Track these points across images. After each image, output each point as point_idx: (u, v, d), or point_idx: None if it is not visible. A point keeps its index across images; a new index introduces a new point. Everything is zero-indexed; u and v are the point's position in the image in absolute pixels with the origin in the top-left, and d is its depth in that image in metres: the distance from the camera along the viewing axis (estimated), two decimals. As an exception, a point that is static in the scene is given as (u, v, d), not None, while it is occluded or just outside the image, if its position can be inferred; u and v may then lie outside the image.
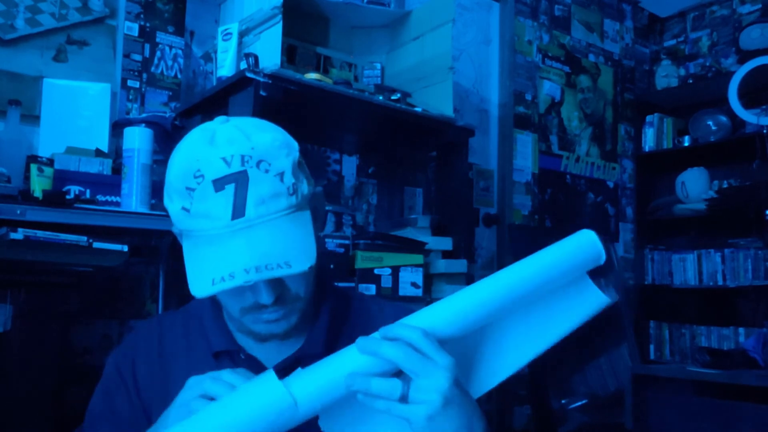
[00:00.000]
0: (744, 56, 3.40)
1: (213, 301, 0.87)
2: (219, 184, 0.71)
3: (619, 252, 3.63)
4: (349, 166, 2.58)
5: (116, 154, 1.81)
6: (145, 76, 2.11)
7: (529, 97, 3.24)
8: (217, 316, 0.87)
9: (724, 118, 3.52)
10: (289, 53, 2.13)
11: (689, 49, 3.89)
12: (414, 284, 1.99)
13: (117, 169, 1.65)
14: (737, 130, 3.48)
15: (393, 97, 2.06)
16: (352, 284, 1.89)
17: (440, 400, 0.66)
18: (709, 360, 2.89)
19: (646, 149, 3.76)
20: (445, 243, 2.14)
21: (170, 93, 2.15)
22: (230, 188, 0.71)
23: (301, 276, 0.76)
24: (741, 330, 3.35)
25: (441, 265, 2.09)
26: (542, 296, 0.77)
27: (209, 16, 2.26)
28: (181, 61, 2.18)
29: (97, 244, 1.41)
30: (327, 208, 2.15)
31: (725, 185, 3.46)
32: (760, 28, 3.36)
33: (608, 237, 3.59)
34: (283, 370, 0.82)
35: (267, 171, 0.72)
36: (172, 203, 0.75)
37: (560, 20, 3.45)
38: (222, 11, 2.24)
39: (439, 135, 2.20)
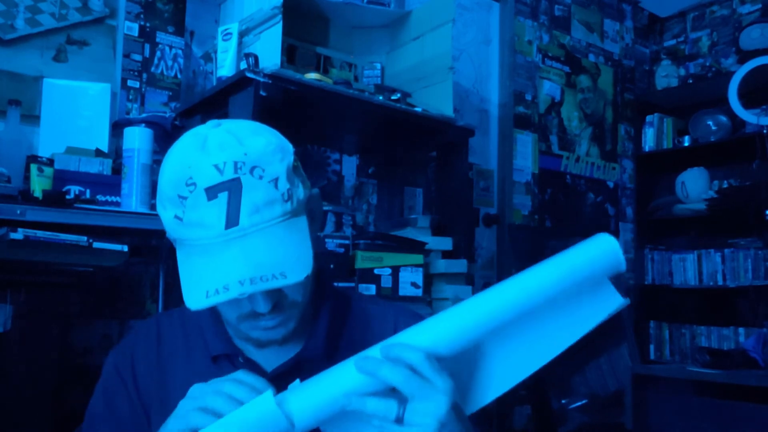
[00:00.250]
0: (744, 56, 3.40)
1: None
2: (212, 192, 0.69)
3: (619, 252, 3.62)
4: (349, 166, 2.58)
5: (116, 154, 1.81)
6: (145, 76, 2.11)
7: (529, 97, 3.24)
8: (216, 319, 0.86)
9: (724, 118, 3.52)
10: (289, 53, 2.13)
11: (689, 49, 3.89)
12: (414, 284, 1.99)
13: (117, 169, 1.65)
14: (737, 130, 3.48)
15: (393, 97, 2.06)
16: (352, 284, 1.89)
17: (435, 425, 0.65)
18: (709, 360, 2.89)
19: (646, 149, 3.76)
20: (445, 243, 2.14)
21: (170, 93, 2.15)
22: (223, 196, 0.69)
23: (298, 283, 0.75)
24: (741, 330, 3.35)
25: (441, 265, 2.09)
26: (555, 303, 0.74)
27: (209, 16, 2.26)
28: (181, 61, 2.18)
29: (97, 244, 1.41)
30: (327, 208, 2.15)
31: (725, 185, 3.46)
32: (760, 28, 3.36)
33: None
34: (283, 375, 0.82)
35: (261, 177, 0.70)
36: (165, 211, 0.73)
37: (560, 20, 3.45)
38: (222, 11, 2.24)
39: (439, 135, 2.20)
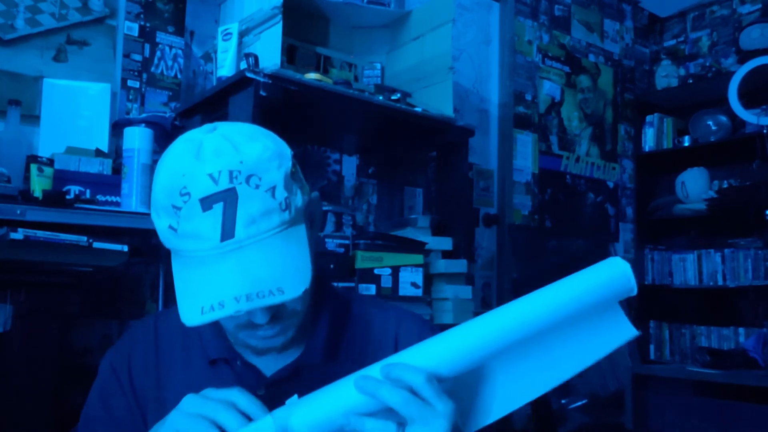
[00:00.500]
0: (744, 56, 3.40)
1: None
2: (206, 203, 0.67)
3: (619, 252, 3.63)
4: (349, 166, 2.58)
5: (116, 154, 1.81)
6: (145, 76, 2.11)
7: (529, 97, 3.24)
8: (214, 322, 0.86)
9: (724, 118, 3.52)
10: (289, 53, 2.13)
11: (689, 49, 3.89)
12: (414, 284, 1.99)
13: (117, 169, 1.65)
14: (737, 130, 3.48)
15: (393, 97, 2.06)
16: (352, 284, 1.89)
17: None
18: (709, 360, 2.90)
19: (646, 149, 3.76)
20: (445, 243, 2.14)
21: (170, 93, 2.15)
22: (218, 207, 0.67)
23: None
24: (741, 330, 3.35)
25: (441, 265, 2.09)
26: (564, 327, 0.72)
27: (209, 16, 2.26)
28: (181, 61, 2.18)
29: (97, 244, 1.41)
30: (327, 208, 2.15)
31: (725, 185, 3.46)
32: (760, 28, 3.36)
33: (608, 237, 3.60)
34: (282, 380, 0.81)
35: (257, 186, 0.68)
36: (159, 219, 0.71)
37: (560, 20, 3.45)
38: (222, 11, 2.24)
39: (439, 135, 2.20)
